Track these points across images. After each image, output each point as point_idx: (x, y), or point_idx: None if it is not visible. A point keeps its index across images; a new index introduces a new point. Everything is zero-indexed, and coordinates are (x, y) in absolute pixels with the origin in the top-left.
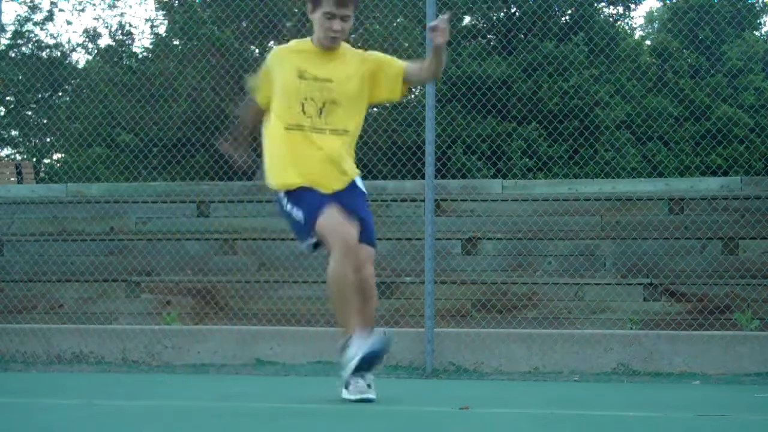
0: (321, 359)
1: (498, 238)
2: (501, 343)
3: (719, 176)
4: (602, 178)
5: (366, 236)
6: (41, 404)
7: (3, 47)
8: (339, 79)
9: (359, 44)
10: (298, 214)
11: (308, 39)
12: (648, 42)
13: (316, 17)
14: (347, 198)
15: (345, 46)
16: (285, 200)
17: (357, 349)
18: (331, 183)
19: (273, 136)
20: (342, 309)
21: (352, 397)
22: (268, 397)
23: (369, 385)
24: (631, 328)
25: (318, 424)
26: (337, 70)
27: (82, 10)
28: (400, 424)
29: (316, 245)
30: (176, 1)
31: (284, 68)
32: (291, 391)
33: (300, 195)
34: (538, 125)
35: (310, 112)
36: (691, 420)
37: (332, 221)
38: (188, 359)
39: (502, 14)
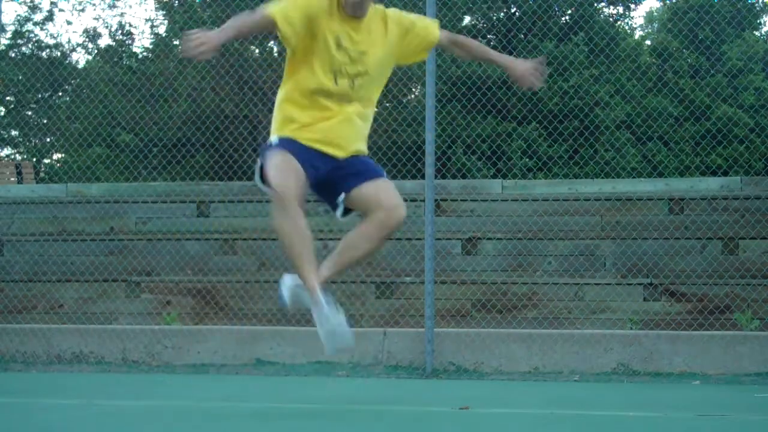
0: (321, 359)
1: (498, 238)
2: (501, 343)
3: (719, 176)
4: (602, 178)
5: (374, 172)
6: (41, 404)
7: (3, 47)
8: (372, 52)
9: None
10: (264, 156)
11: None
12: (648, 42)
13: None
14: (359, 162)
15: (371, 9)
16: (269, 146)
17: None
18: (340, 142)
19: (292, 96)
20: (292, 260)
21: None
22: (268, 397)
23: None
24: (631, 328)
25: (318, 424)
26: (369, 40)
27: (82, 10)
28: (400, 424)
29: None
30: (176, 1)
31: (325, 28)
32: (291, 391)
33: (282, 144)
34: (538, 125)
35: (342, 82)
36: (691, 420)
37: (278, 169)
38: (188, 359)
39: (502, 14)
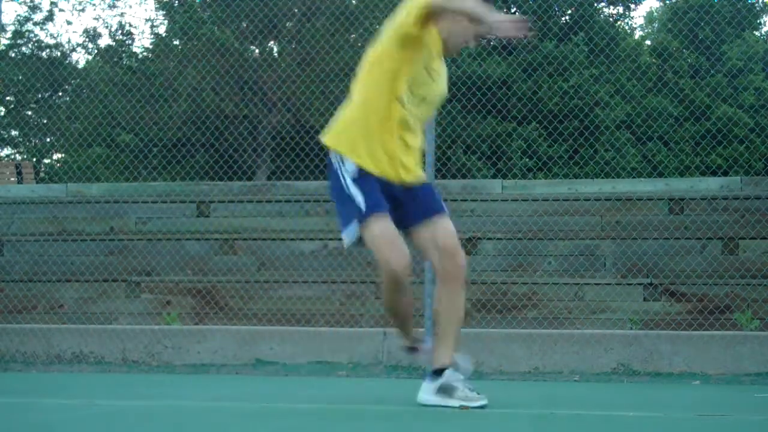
0: (321, 359)
1: (498, 238)
2: (501, 343)
3: (719, 176)
4: (602, 178)
5: (442, 209)
6: (41, 404)
7: (3, 47)
8: (440, 84)
9: (359, 44)
10: (355, 194)
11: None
12: (648, 42)
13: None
14: (422, 193)
15: None
16: (344, 170)
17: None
18: (401, 168)
19: (373, 97)
20: (396, 327)
21: (470, 405)
22: (268, 397)
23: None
24: (631, 328)
25: (318, 424)
26: (441, 73)
27: (82, 10)
28: (400, 424)
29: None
30: (176, 1)
31: (425, 48)
32: (291, 391)
33: (366, 178)
34: (538, 125)
35: (416, 99)
36: (691, 420)
37: (383, 237)
38: (188, 359)
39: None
